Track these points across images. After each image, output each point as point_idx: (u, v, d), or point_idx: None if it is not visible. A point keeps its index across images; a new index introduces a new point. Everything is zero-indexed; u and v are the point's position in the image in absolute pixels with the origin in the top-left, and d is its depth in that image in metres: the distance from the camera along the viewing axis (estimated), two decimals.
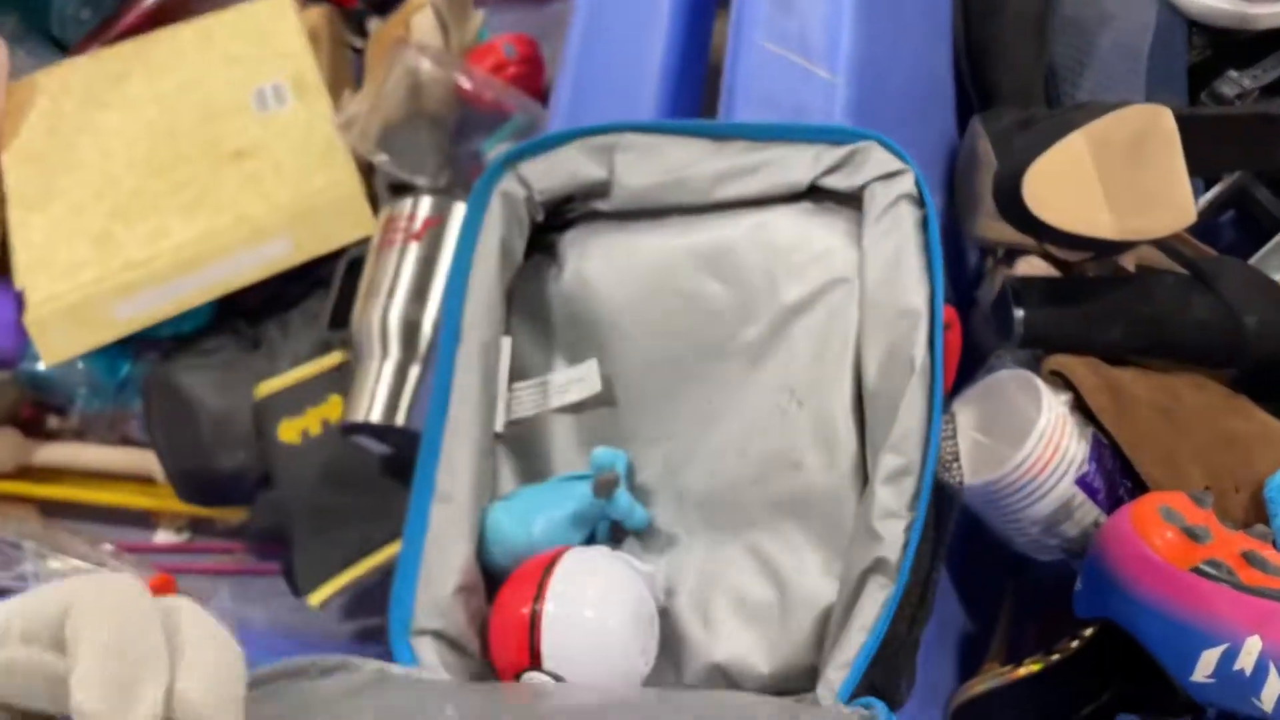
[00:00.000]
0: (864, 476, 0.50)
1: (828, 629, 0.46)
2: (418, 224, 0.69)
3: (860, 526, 0.46)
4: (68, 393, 0.83)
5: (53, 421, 0.89)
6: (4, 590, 0.78)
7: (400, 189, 0.73)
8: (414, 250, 0.69)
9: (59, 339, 0.76)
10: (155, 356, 0.85)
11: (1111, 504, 0.61)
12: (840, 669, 0.43)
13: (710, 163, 0.54)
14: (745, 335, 0.53)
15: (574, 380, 0.54)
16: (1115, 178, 0.56)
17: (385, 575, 0.72)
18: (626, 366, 0.54)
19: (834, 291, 0.52)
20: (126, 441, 0.86)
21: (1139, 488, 0.62)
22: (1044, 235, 0.58)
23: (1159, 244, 0.63)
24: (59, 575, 0.78)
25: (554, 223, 0.58)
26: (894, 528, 0.45)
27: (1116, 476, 0.62)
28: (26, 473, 0.85)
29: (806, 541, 0.49)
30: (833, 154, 0.52)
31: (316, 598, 0.70)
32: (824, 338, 0.52)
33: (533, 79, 0.91)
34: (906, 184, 0.51)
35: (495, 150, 0.84)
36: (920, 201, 0.51)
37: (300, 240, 0.78)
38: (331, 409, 0.73)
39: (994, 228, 0.68)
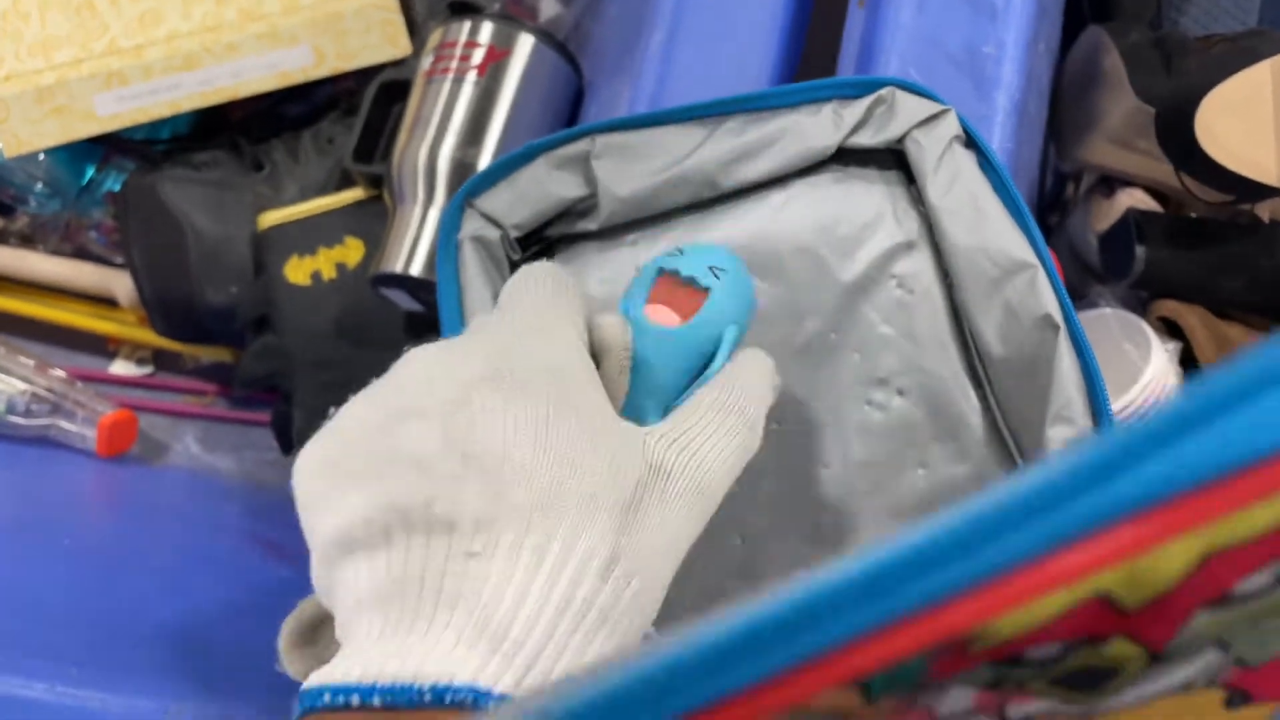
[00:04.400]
0: (1003, 451, 0.44)
1: None
2: (479, 54, 0.60)
3: None
4: (20, 190, 0.72)
5: None
6: None
7: (458, 8, 0.63)
8: (471, 83, 0.60)
9: (24, 126, 0.65)
10: (124, 161, 0.74)
11: None
12: None
13: (709, 149, 0.45)
14: (803, 333, 0.45)
15: None
16: None
17: None
18: None
19: (900, 259, 0.45)
20: (81, 254, 0.76)
21: None
22: (1197, 170, 0.53)
23: None
24: (2, 396, 0.68)
25: (525, 253, 0.47)
26: None
27: None
28: None
29: None
30: (853, 110, 0.44)
31: None
32: (906, 313, 0.45)
33: None
34: (951, 126, 0.44)
35: None
36: (970, 141, 0.44)
37: (322, 51, 0.67)
38: (349, 251, 0.64)
39: (1107, 151, 0.63)
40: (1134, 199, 0.65)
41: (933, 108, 0.44)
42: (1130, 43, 0.62)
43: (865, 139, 0.45)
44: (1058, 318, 0.42)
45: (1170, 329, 0.58)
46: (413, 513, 0.26)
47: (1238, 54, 0.52)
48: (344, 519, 0.27)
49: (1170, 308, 0.58)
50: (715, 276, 0.36)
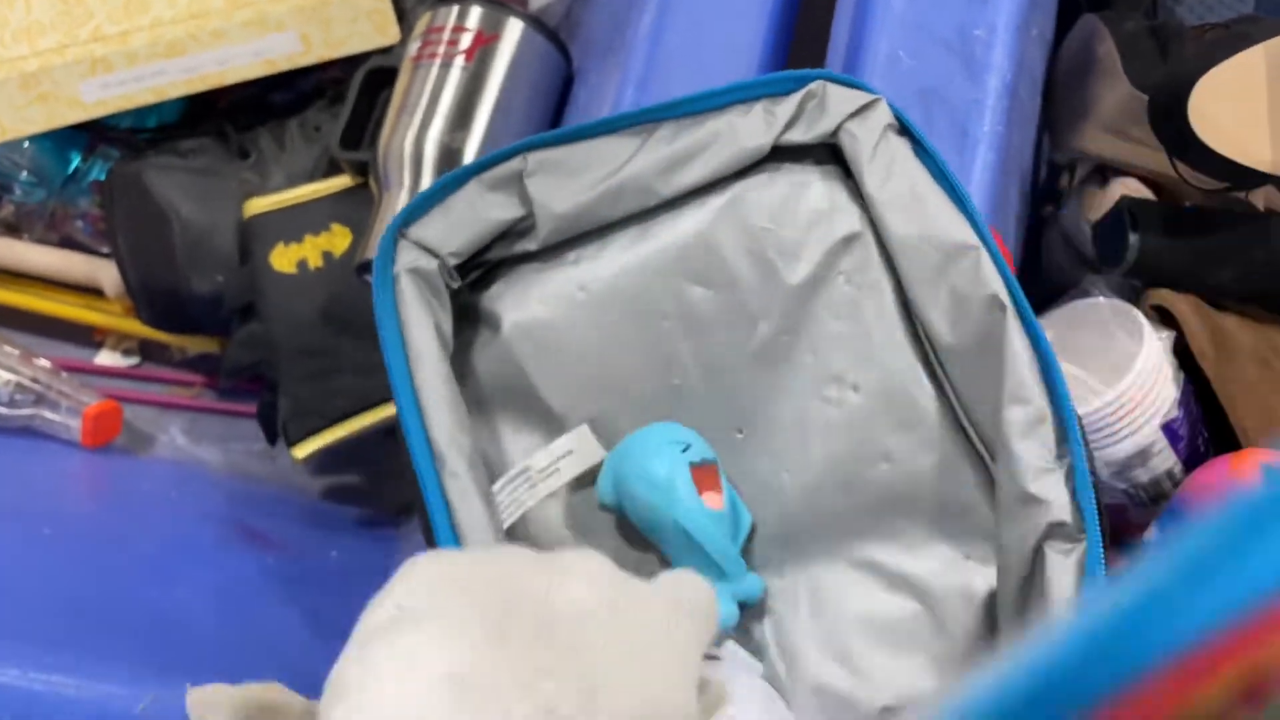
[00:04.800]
0: (965, 439, 0.44)
1: (996, 619, 0.41)
2: (466, 39, 0.59)
3: (1009, 497, 0.41)
4: (4, 179, 0.72)
5: None
6: None
7: None
8: (459, 68, 0.59)
9: (9, 113, 0.65)
10: (110, 150, 0.73)
11: (1189, 454, 0.58)
12: None
13: (644, 157, 0.44)
14: (757, 336, 0.45)
15: (561, 456, 0.44)
16: None
17: (373, 433, 0.65)
18: (623, 420, 0.44)
19: (847, 254, 0.45)
20: (67, 244, 0.75)
21: (1217, 441, 0.58)
22: (1191, 156, 0.53)
23: None
24: None
25: (464, 280, 0.46)
26: (1053, 484, 0.40)
27: (1199, 426, 0.58)
28: None
29: (928, 534, 0.43)
30: (784, 106, 0.44)
31: (302, 450, 0.62)
32: (856, 307, 0.44)
33: None
34: (884, 115, 0.44)
35: None
36: (904, 129, 0.44)
37: (309, 38, 0.67)
38: (335, 239, 0.64)
39: (1101, 139, 0.62)
40: (1128, 188, 0.64)
41: (864, 98, 0.44)
42: (1125, 30, 0.62)
43: (798, 135, 0.44)
44: (1004, 297, 0.42)
45: (1164, 318, 0.57)
46: None
47: (1231, 39, 0.52)
48: None
49: (1163, 296, 0.57)
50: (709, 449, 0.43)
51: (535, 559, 0.29)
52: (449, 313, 0.43)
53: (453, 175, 0.44)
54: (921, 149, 0.44)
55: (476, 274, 0.45)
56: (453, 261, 0.43)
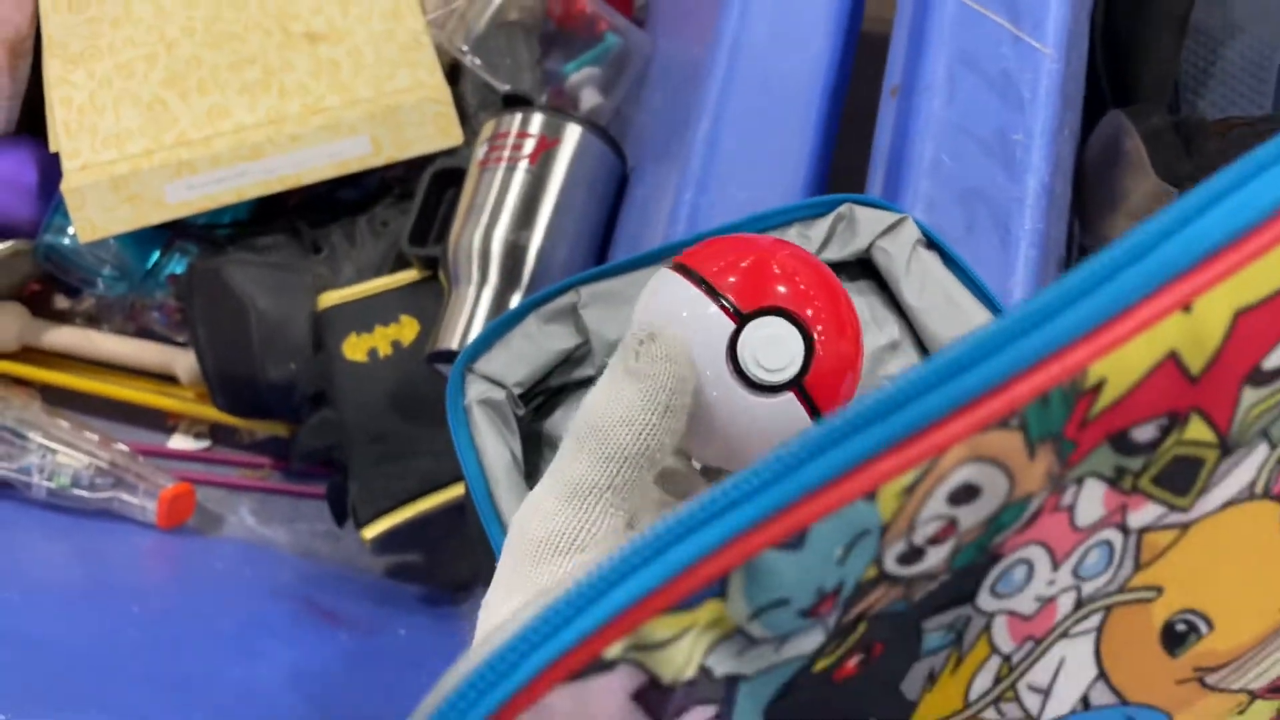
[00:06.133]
0: None
1: None
2: (530, 144, 0.64)
3: None
4: (89, 273, 0.76)
5: (61, 302, 0.81)
6: (4, 482, 0.71)
7: (510, 102, 0.67)
8: (523, 170, 0.63)
9: (99, 213, 0.69)
10: (188, 245, 0.77)
11: None
12: None
13: None
14: None
15: None
16: None
17: (434, 514, 0.67)
18: None
19: (888, 361, 0.48)
20: (144, 334, 0.79)
21: None
22: None
23: None
24: (68, 470, 0.71)
25: (529, 405, 0.48)
26: None
27: None
28: (30, 355, 0.78)
29: None
30: (816, 229, 0.48)
31: (371, 531, 0.64)
32: None
33: (625, 2, 0.85)
34: (912, 231, 0.47)
35: (578, 73, 0.78)
36: (930, 243, 0.48)
37: (379, 141, 0.71)
38: (404, 330, 0.67)
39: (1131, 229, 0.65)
40: None
41: (891, 217, 0.47)
42: (1150, 126, 0.65)
43: (833, 254, 0.47)
44: None
45: None
46: None
47: (1255, 137, 0.55)
48: None
49: None
50: None
51: None
52: (519, 438, 0.46)
53: (511, 313, 0.47)
54: (950, 260, 0.47)
55: (540, 400, 0.48)
56: (518, 391, 0.46)
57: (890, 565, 0.19)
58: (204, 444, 0.78)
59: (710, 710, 0.20)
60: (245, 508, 0.76)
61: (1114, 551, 0.22)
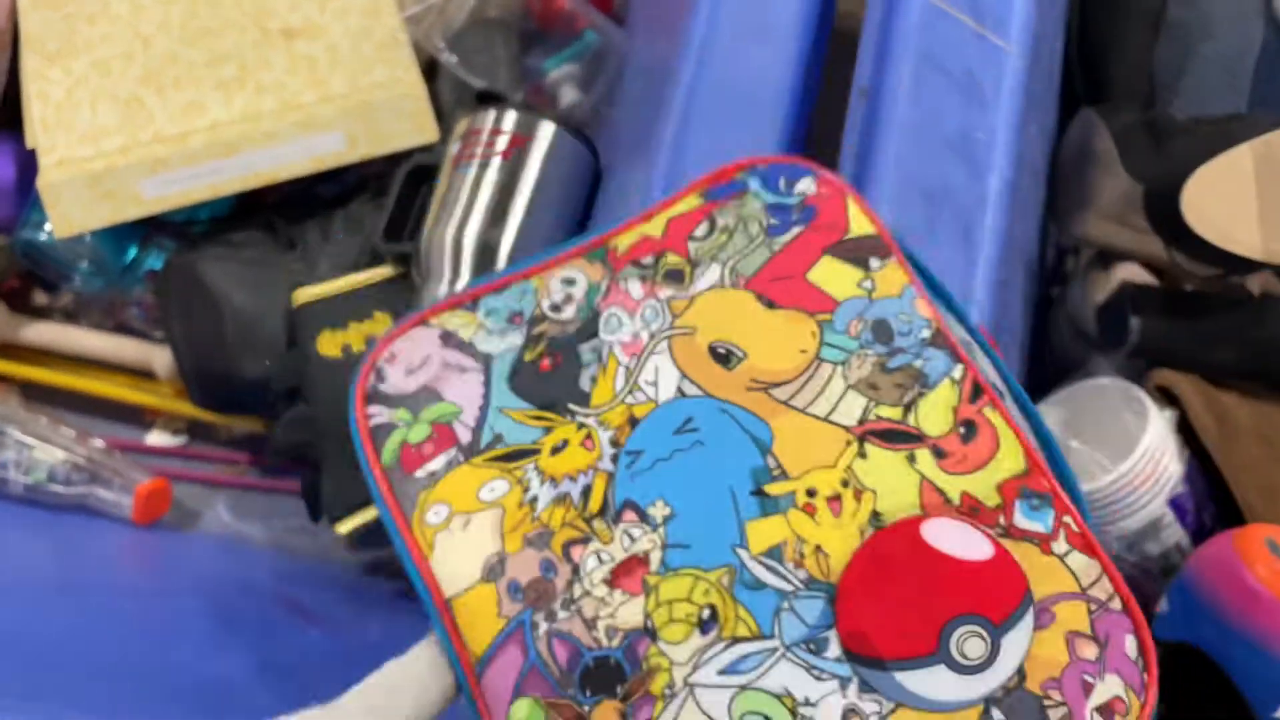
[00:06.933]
0: None
1: None
2: (503, 141, 0.64)
3: None
4: (66, 269, 0.76)
5: (39, 298, 0.81)
6: None
7: (485, 99, 0.67)
8: (495, 168, 0.63)
9: (75, 209, 0.69)
10: (165, 241, 0.78)
11: (1196, 528, 0.60)
12: None
13: None
14: None
15: None
16: (1272, 197, 0.53)
17: None
18: None
19: None
20: (122, 329, 0.79)
21: (1223, 515, 0.61)
22: (1186, 245, 0.56)
23: (1278, 270, 0.61)
24: (44, 465, 0.71)
25: None
26: None
27: (1204, 501, 0.60)
28: (8, 351, 0.78)
29: None
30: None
31: (345, 526, 0.65)
32: None
33: (604, 1, 0.85)
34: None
35: (557, 70, 0.79)
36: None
37: (355, 137, 0.72)
38: (378, 326, 0.67)
39: (1103, 227, 0.65)
40: (1129, 273, 0.67)
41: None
42: (1121, 124, 0.66)
43: None
44: (1000, 386, 0.45)
45: (1167, 397, 0.60)
46: None
47: (1221, 137, 0.55)
48: None
49: (1166, 377, 0.60)
50: None
51: None
52: None
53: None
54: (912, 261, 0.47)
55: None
56: None
57: (547, 310, 0.43)
58: (181, 439, 0.78)
59: (479, 372, 0.41)
60: (222, 503, 0.76)
61: (659, 309, 0.41)
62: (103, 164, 0.69)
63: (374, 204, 0.73)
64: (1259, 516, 0.57)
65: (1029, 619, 0.35)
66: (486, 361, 0.42)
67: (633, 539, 0.36)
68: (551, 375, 0.41)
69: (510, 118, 0.65)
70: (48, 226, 0.74)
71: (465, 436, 0.40)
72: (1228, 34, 0.78)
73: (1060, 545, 0.36)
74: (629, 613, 0.35)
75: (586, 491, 0.37)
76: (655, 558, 0.36)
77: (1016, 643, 0.35)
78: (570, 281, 0.43)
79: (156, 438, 0.78)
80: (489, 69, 0.73)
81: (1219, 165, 0.53)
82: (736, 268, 0.41)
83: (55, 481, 0.71)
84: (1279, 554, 0.54)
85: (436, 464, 0.39)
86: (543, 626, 0.36)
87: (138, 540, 0.71)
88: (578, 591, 0.36)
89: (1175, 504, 0.59)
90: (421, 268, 0.63)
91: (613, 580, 0.36)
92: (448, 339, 0.42)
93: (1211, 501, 0.61)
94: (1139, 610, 0.36)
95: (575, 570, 0.36)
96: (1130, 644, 0.35)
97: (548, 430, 0.39)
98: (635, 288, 0.42)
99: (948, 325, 0.41)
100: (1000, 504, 0.36)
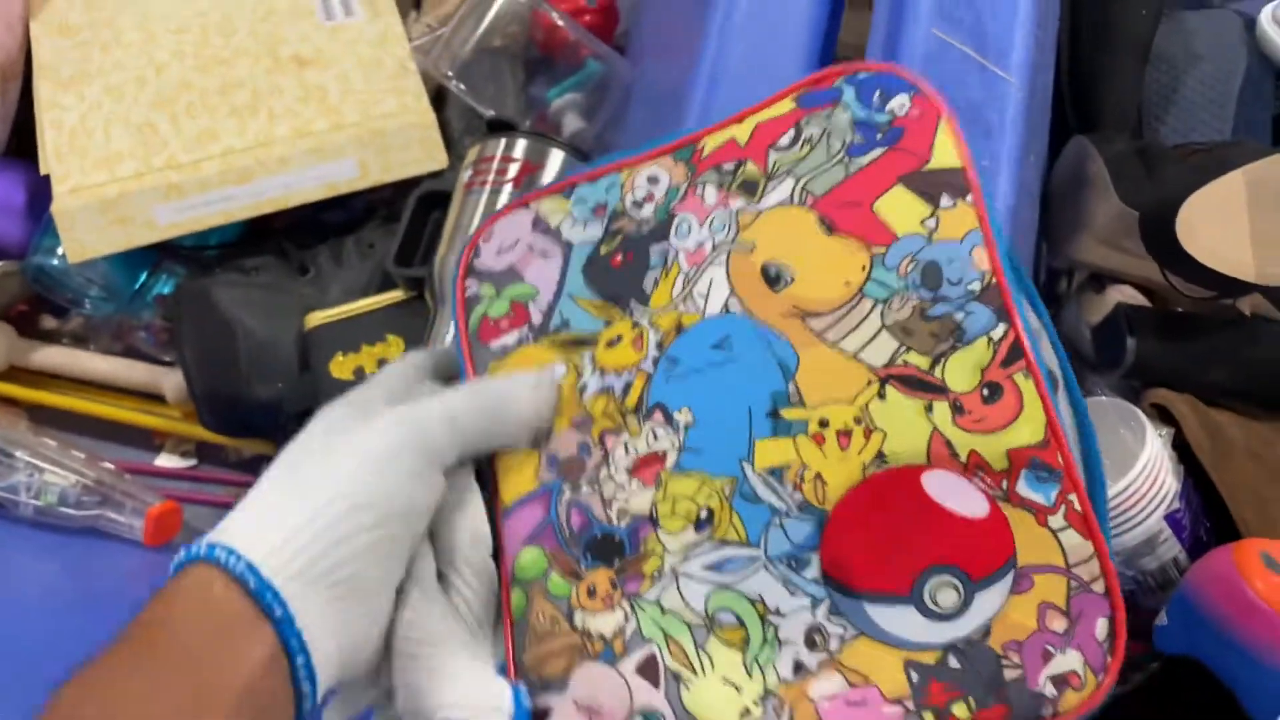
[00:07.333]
0: None
1: None
2: (514, 168, 0.65)
3: None
4: (77, 294, 0.77)
5: (48, 322, 0.82)
6: None
7: (495, 127, 0.69)
8: (507, 194, 0.65)
9: (89, 234, 0.70)
10: (175, 266, 0.79)
11: (1192, 542, 0.62)
12: None
13: None
14: None
15: None
16: (1263, 221, 0.56)
17: None
18: None
19: None
20: (131, 353, 0.80)
21: (1218, 531, 0.62)
22: (1180, 268, 0.58)
23: (1268, 292, 0.63)
24: (55, 488, 0.71)
25: None
26: None
27: (1200, 516, 0.62)
28: (17, 375, 0.78)
29: None
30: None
31: None
32: None
33: (606, 30, 0.87)
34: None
35: (561, 99, 0.80)
36: None
37: (366, 164, 0.73)
38: (390, 349, 0.68)
39: (1096, 250, 0.67)
40: (1123, 294, 0.69)
41: None
42: (1114, 151, 0.68)
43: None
44: (1058, 373, 0.46)
45: (1163, 415, 0.62)
46: None
47: (1213, 163, 0.57)
48: None
49: (1162, 396, 0.61)
50: None
51: None
52: None
53: None
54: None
55: None
56: None
57: (629, 206, 0.44)
58: (190, 462, 0.79)
59: (559, 259, 0.44)
60: None
61: (726, 220, 0.42)
62: (116, 190, 0.70)
63: (384, 229, 0.74)
64: (1253, 531, 0.59)
65: (1007, 581, 0.36)
66: (568, 249, 0.44)
67: (656, 437, 0.40)
68: (621, 271, 0.43)
69: (521, 145, 0.66)
70: (60, 252, 0.75)
71: (537, 318, 0.43)
72: (1212, 64, 0.81)
73: (1057, 520, 0.37)
74: (640, 501, 0.39)
75: (627, 388, 0.41)
76: (671, 458, 0.39)
77: (989, 601, 0.36)
78: (654, 180, 0.44)
79: (166, 460, 0.78)
80: (497, 97, 0.74)
81: (1212, 190, 0.55)
82: (808, 185, 0.41)
83: (66, 504, 0.72)
84: (1274, 568, 0.55)
85: (509, 339, 0.44)
86: (567, 495, 0.40)
87: (149, 562, 0.71)
88: (603, 475, 0.40)
89: (1172, 519, 0.61)
90: (435, 291, 0.64)
91: (633, 470, 0.39)
92: (538, 223, 0.45)
93: (1207, 517, 0.63)
94: (1121, 599, 0.37)
95: (606, 456, 0.40)
96: (1101, 626, 0.36)
97: (608, 323, 0.42)
98: (710, 194, 0.42)
99: (1009, 290, 0.39)
100: (1007, 468, 0.37)
